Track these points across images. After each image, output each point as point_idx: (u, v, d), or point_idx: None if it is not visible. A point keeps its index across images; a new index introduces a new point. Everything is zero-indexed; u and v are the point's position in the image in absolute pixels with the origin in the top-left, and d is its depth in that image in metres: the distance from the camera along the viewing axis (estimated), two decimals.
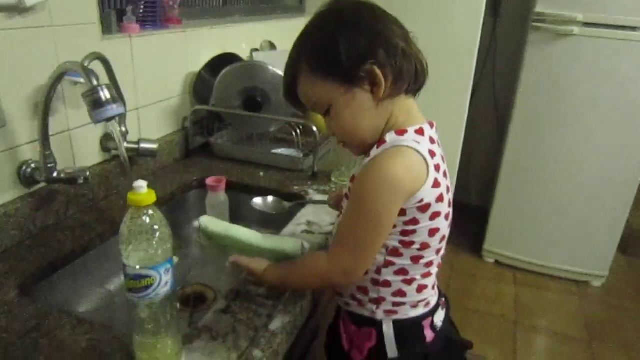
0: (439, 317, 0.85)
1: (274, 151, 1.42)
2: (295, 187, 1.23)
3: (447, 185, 0.76)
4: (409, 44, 0.73)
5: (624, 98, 2.10)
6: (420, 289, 0.80)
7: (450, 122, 2.32)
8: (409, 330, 0.82)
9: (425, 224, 0.73)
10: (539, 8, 2.11)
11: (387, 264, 0.77)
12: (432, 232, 0.75)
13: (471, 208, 3.04)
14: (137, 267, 0.58)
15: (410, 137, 0.73)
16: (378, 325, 0.81)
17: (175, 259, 1.15)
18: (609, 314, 2.29)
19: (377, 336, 0.81)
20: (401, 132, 0.73)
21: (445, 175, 0.76)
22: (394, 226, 0.73)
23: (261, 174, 1.31)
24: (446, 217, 0.76)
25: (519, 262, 2.56)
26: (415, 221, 0.73)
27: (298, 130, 1.44)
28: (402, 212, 0.72)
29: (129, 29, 1.14)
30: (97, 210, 1.07)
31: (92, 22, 1.04)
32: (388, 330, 0.81)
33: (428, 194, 0.71)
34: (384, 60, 0.70)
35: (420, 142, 0.72)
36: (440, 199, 0.73)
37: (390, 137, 0.73)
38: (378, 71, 0.70)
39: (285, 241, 0.90)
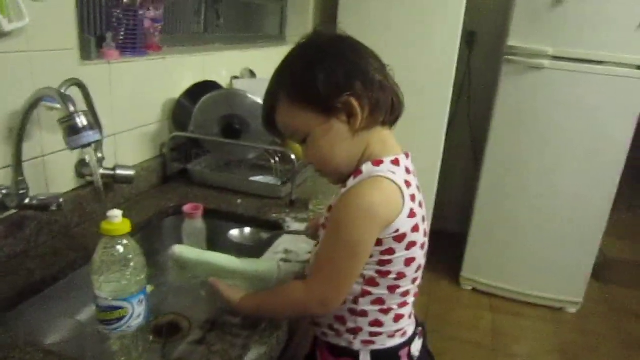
0: (416, 347, 0.85)
1: (252, 178, 1.42)
2: (274, 215, 1.23)
3: (423, 215, 0.77)
4: (385, 77, 0.76)
5: (592, 127, 2.18)
6: (397, 318, 0.80)
7: (427, 150, 2.36)
8: None
9: (401, 253, 0.74)
10: (511, 42, 2.19)
11: (364, 293, 0.77)
12: (408, 261, 0.75)
13: (449, 235, 3.06)
14: (110, 298, 0.57)
15: (386, 168, 0.74)
16: (355, 355, 0.80)
17: (150, 288, 1.13)
18: (584, 340, 2.31)
19: None
20: (377, 162, 0.74)
21: (420, 205, 0.77)
22: (371, 256, 0.73)
23: (239, 201, 1.30)
24: (422, 247, 0.77)
25: (495, 289, 2.58)
26: (391, 251, 0.73)
27: (277, 158, 1.45)
28: (379, 242, 0.72)
29: (108, 55, 1.14)
30: (70, 237, 1.04)
31: (71, 48, 1.03)
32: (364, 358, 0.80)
33: (404, 224, 0.72)
34: (361, 92, 0.72)
35: (396, 173, 0.73)
36: (415, 228, 0.74)
37: (366, 167, 0.74)
38: (355, 103, 0.72)
39: (261, 263, 0.90)
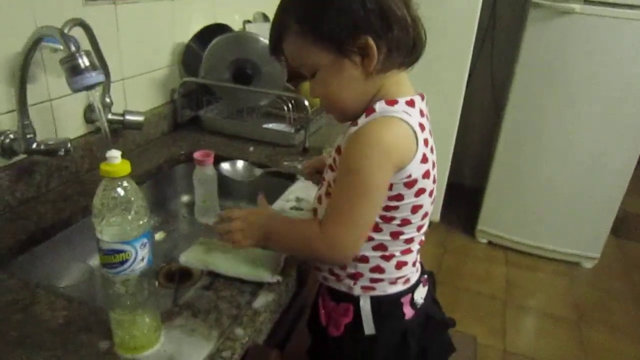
0: (420, 294, 0.83)
1: (264, 126, 1.39)
2: (286, 163, 1.21)
3: (434, 160, 0.74)
4: (409, 11, 0.68)
5: (623, 77, 2.07)
6: (400, 265, 0.78)
7: (446, 99, 2.29)
8: (387, 306, 0.80)
9: (409, 200, 0.71)
10: None
11: (367, 239, 0.74)
12: (415, 208, 0.73)
13: (465, 188, 3.03)
14: (111, 241, 0.56)
15: (400, 108, 0.69)
16: (355, 301, 0.79)
17: (162, 235, 1.13)
18: (598, 296, 2.30)
19: (354, 312, 0.80)
20: (391, 102, 0.70)
21: (432, 150, 0.73)
22: None
23: (251, 148, 1.28)
24: (430, 194, 0.74)
25: (512, 242, 2.56)
26: (399, 197, 0.71)
27: (290, 105, 1.41)
28: (389, 187, 0.69)
29: None
30: (80, 183, 1.04)
31: None
32: (365, 305, 0.79)
33: (416, 169, 0.69)
34: (380, 30, 0.65)
35: (411, 114, 0.69)
36: (426, 175, 0.71)
37: (379, 106, 0.69)
38: (372, 43, 0.65)
39: (263, 270, 0.79)
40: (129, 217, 0.56)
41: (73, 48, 0.76)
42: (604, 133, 2.18)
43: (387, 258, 0.77)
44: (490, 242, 2.63)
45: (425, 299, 0.84)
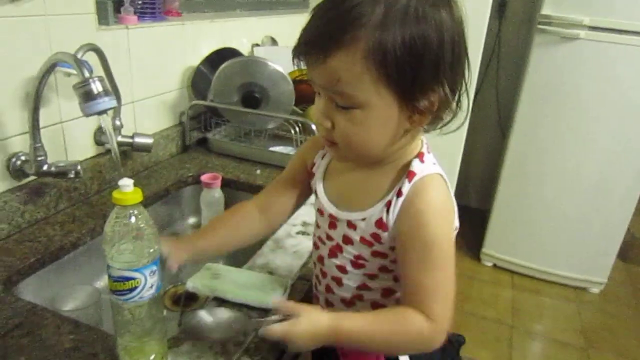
0: None
1: (271, 148, 1.40)
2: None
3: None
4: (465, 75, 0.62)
5: (628, 103, 2.08)
6: None
7: (452, 123, 2.29)
8: None
9: None
10: (545, 10, 2.08)
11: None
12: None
13: (470, 210, 3.02)
14: (122, 268, 0.56)
15: (429, 161, 0.67)
16: None
17: None
18: (606, 322, 2.27)
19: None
20: (421, 157, 0.66)
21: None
22: None
23: (258, 171, 1.29)
24: None
25: (517, 266, 2.54)
26: None
27: (297, 128, 1.42)
28: None
29: (126, 20, 1.12)
30: (89, 204, 1.04)
31: (88, 12, 1.01)
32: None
33: (456, 218, 0.68)
34: (447, 91, 0.59)
35: (436, 162, 0.68)
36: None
37: (417, 167, 0.64)
38: (436, 102, 0.59)
39: (268, 296, 0.77)
40: (140, 244, 0.56)
41: (87, 74, 0.77)
42: (610, 157, 2.18)
43: None
44: (495, 265, 2.61)
45: None
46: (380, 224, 0.65)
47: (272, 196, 0.83)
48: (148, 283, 0.57)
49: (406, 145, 0.65)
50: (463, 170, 2.43)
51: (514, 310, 2.29)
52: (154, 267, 0.58)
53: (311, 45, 0.57)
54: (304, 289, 0.81)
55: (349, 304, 0.74)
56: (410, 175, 0.64)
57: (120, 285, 0.56)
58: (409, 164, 0.65)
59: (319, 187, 0.75)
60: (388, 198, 0.65)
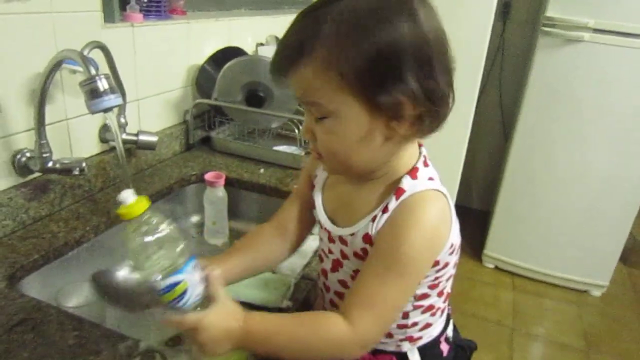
0: (450, 328, 0.82)
1: (275, 148, 1.40)
2: (295, 186, 1.21)
3: (457, 238, 0.70)
4: (451, 82, 0.60)
5: (631, 106, 2.07)
6: (442, 312, 0.76)
7: (455, 125, 2.29)
8: (429, 351, 0.77)
9: (452, 261, 0.69)
10: (549, 12, 2.08)
11: (415, 307, 0.71)
12: (455, 264, 0.71)
13: (472, 212, 3.02)
14: (164, 277, 0.54)
15: (424, 176, 0.64)
16: (400, 355, 0.76)
17: None
18: (608, 325, 2.27)
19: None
20: (413, 173, 0.64)
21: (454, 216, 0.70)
22: (425, 276, 0.67)
23: (261, 170, 1.29)
24: (455, 266, 0.72)
25: (519, 268, 2.53)
26: (446, 265, 0.67)
27: (300, 127, 1.42)
28: (435, 263, 0.65)
29: (131, 18, 1.12)
30: (93, 202, 1.05)
31: (94, 10, 1.01)
32: (412, 356, 0.75)
33: (455, 236, 0.66)
34: (421, 96, 0.56)
35: (434, 178, 0.65)
36: (451, 251, 0.67)
37: (406, 183, 0.63)
38: (407, 103, 0.56)
39: (271, 296, 0.79)
40: (168, 246, 0.54)
41: (93, 71, 0.78)
42: (613, 160, 2.18)
43: (434, 313, 0.74)
44: (496, 267, 2.60)
45: (453, 331, 0.84)
46: (367, 238, 0.64)
47: (287, 215, 0.81)
48: (194, 279, 0.56)
49: (394, 157, 0.64)
50: (465, 172, 2.42)
51: (515, 312, 2.29)
52: (193, 261, 0.56)
53: (278, 62, 0.60)
54: (307, 287, 0.81)
55: None
56: (398, 192, 0.62)
57: (171, 295, 0.54)
58: (399, 180, 0.64)
59: (318, 199, 0.74)
60: (374, 213, 0.64)
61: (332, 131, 0.60)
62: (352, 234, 0.66)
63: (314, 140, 0.63)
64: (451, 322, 0.83)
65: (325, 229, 0.72)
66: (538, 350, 2.12)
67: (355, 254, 0.67)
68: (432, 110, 0.58)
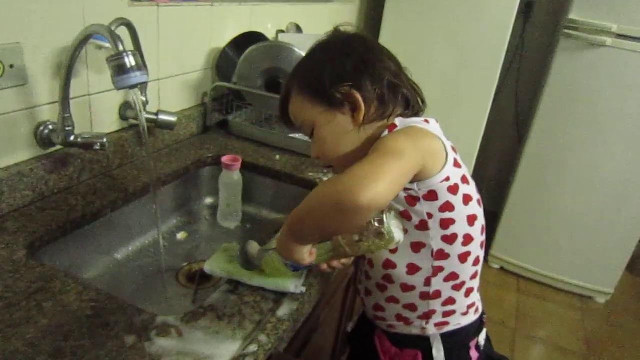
0: (483, 336, 0.84)
1: (291, 135, 1.40)
2: (310, 174, 1.22)
3: (467, 171, 0.76)
4: (399, 76, 0.75)
5: None
6: (468, 292, 0.78)
7: (469, 123, 2.28)
8: (456, 352, 0.79)
9: (460, 208, 0.72)
10: (572, 15, 2.06)
11: (436, 271, 0.74)
12: (471, 219, 0.73)
13: None
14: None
15: (419, 120, 0.75)
16: (424, 346, 0.79)
17: (183, 235, 1.14)
18: (610, 332, 2.26)
19: (424, 358, 0.79)
20: (391, 128, 0.74)
21: (462, 162, 0.75)
22: (431, 216, 0.70)
23: (277, 157, 1.29)
24: (479, 203, 0.76)
25: (524, 270, 2.53)
26: (450, 206, 0.71)
27: None
28: (434, 196, 0.69)
29: None
30: (111, 178, 1.06)
31: None
32: (438, 355, 0.78)
33: (453, 173, 0.70)
34: (368, 87, 0.72)
35: (431, 123, 0.75)
36: (465, 180, 0.73)
37: (399, 121, 0.74)
38: (357, 95, 0.72)
39: (285, 281, 0.78)
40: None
41: (121, 47, 0.78)
42: (627, 168, 2.16)
43: (458, 287, 0.76)
44: (502, 268, 2.60)
45: (485, 339, 0.85)
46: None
47: None
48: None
49: (370, 139, 0.74)
50: (477, 171, 2.42)
51: (518, 314, 2.29)
52: None
53: (282, 109, 0.83)
54: (320, 271, 0.82)
55: (382, 287, 0.79)
56: (391, 127, 0.73)
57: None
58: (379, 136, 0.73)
59: None
60: None
61: (321, 138, 0.76)
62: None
63: (320, 157, 0.79)
64: (484, 330, 0.84)
65: None
66: (539, 353, 2.12)
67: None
68: (379, 95, 0.73)
